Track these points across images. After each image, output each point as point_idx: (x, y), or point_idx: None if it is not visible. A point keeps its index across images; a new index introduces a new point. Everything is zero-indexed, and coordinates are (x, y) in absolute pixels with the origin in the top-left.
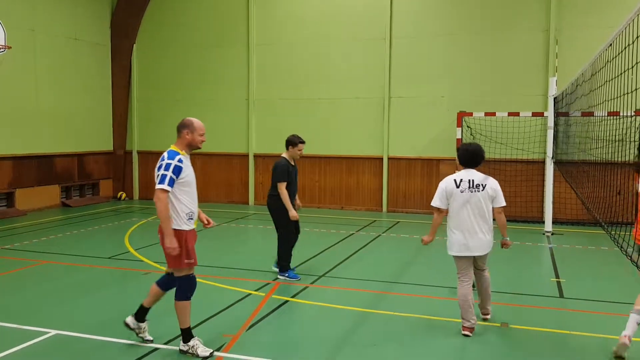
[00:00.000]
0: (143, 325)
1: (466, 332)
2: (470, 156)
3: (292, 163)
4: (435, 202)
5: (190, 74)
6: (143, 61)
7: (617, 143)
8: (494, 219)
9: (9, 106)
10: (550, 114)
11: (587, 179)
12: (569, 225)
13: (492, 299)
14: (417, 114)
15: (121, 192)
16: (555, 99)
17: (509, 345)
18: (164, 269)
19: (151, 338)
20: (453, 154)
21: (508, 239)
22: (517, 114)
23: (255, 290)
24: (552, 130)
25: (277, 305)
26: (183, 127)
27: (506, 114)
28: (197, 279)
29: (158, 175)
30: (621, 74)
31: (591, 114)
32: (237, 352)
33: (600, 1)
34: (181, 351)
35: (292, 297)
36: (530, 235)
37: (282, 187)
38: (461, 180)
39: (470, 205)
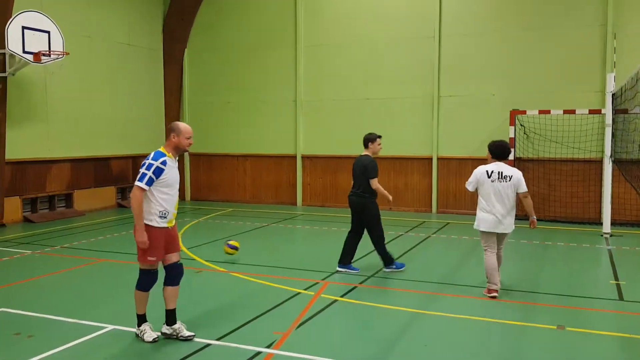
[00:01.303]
0: (177, 326)
1: (493, 294)
2: (501, 151)
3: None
4: (469, 187)
5: (239, 76)
6: (194, 65)
7: None
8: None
9: (67, 110)
10: (608, 111)
11: None
12: (629, 226)
13: (547, 300)
14: (468, 113)
15: None
16: (613, 95)
17: (566, 348)
18: (218, 267)
19: (191, 333)
20: None
21: (534, 217)
22: (573, 112)
23: (305, 289)
24: (611, 128)
25: (327, 304)
26: (170, 130)
27: (561, 112)
28: (248, 278)
29: (139, 172)
30: None
31: None
32: (287, 349)
33: None
34: (136, 335)
35: (342, 296)
36: (587, 237)
37: (376, 182)
38: (492, 171)
39: (497, 192)
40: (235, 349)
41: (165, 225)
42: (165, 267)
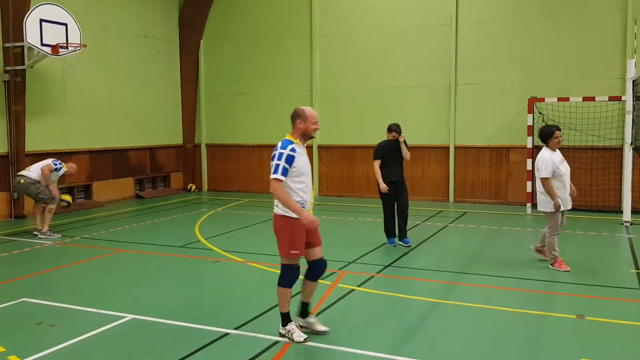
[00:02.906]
0: (311, 320)
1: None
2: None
3: (395, 142)
4: None
5: (255, 66)
6: (210, 55)
7: None
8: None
9: (85, 102)
10: (628, 97)
11: None
12: None
13: (566, 289)
14: (485, 101)
15: (191, 184)
16: (634, 82)
17: (586, 337)
18: (236, 257)
19: (326, 328)
20: (524, 141)
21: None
22: (593, 99)
23: (322, 279)
24: (631, 115)
25: (344, 294)
26: (296, 116)
27: (581, 99)
28: (266, 269)
29: (272, 165)
30: None
31: None
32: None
33: None
34: (280, 334)
35: (358, 286)
36: (607, 226)
37: (374, 164)
38: None
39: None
40: (253, 338)
41: None
42: (309, 263)
